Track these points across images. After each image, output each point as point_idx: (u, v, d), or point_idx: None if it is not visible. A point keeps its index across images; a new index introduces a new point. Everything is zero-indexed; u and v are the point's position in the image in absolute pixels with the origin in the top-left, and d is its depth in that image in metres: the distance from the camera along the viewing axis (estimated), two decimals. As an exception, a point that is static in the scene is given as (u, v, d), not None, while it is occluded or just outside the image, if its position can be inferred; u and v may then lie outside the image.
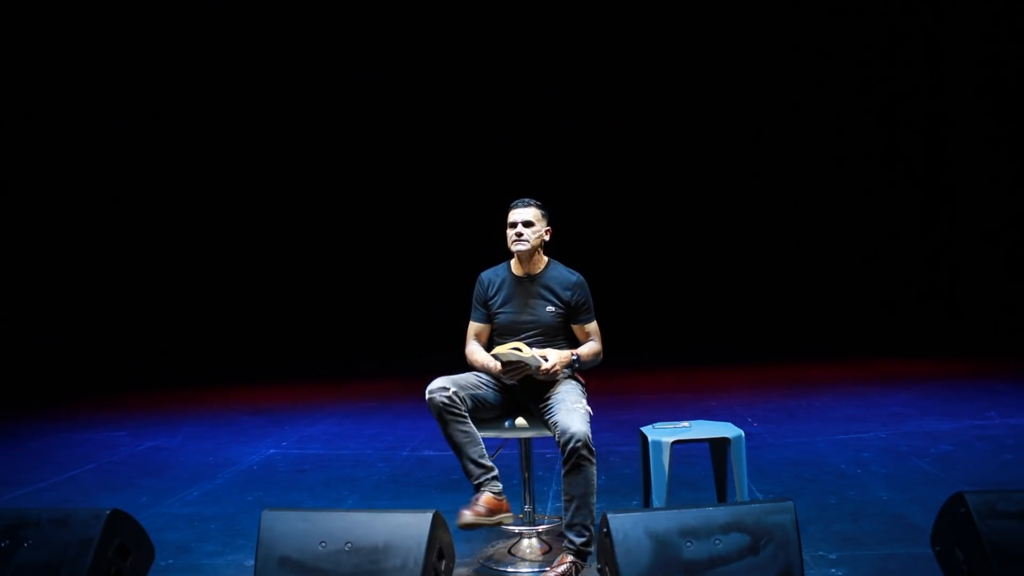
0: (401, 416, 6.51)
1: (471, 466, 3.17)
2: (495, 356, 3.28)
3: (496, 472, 3.20)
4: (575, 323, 3.47)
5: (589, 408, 3.23)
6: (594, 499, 3.11)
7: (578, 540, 3.09)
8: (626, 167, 11.07)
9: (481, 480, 3.16)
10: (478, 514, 3.08)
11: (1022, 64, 9.76)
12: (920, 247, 10.71)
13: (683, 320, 10.75)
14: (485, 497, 3.13)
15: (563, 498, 3.12)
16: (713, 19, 10.63)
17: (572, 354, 3.37)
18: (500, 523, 3.16)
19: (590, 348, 3.44)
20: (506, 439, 3.41)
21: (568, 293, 3.43)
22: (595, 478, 3.11)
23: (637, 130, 10.97)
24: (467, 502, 3.13)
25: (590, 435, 3.08)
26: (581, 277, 3.49)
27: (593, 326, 3.48)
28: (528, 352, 3.26)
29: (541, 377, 3.27)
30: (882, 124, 10.74)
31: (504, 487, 3.18)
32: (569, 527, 3.10)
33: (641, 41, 10.77)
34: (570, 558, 3.09)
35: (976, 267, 10.24)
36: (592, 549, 3.10)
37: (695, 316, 10.80)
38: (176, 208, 11.09)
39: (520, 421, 3.34)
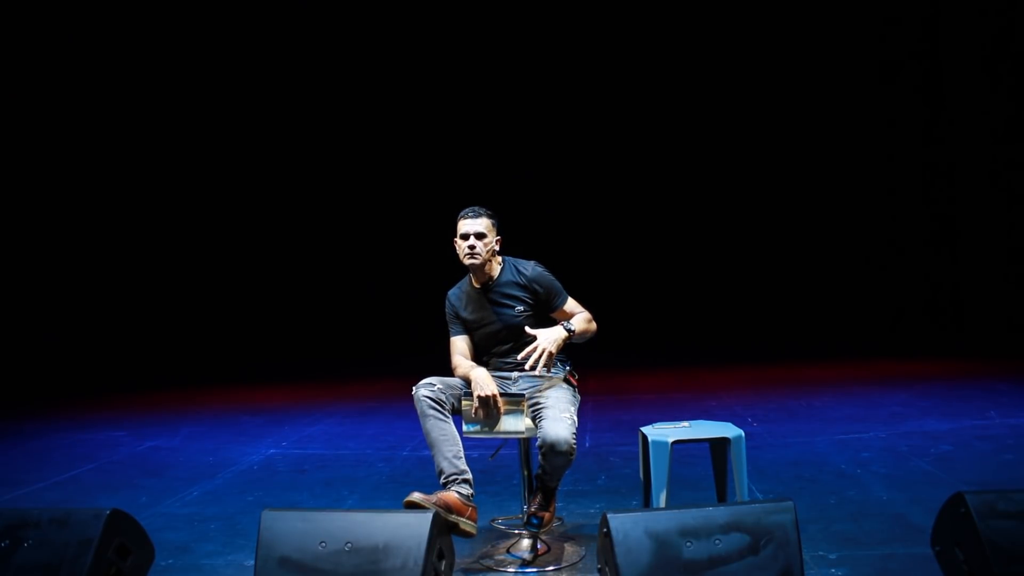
0: (401, 416, 6.47)
1: (443, 463, 3.12)
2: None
3: (469, 476, 3.14)
4: (553, 311, 3.37)
5: (576, 418, 3.19)
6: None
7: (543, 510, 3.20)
8: (626, 166, 11.07)
9: (449, 479, 3.10)
10: (427, 499, 2.95)
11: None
12: (920, 247, 10.71)
13: (683, 320, 10.75)
14: (446, 493, 3.04)
15: (536, 484, 3.19)
16: (710, 9, 10.63)
17: (564, 327, 3.21)
18: (456, 526, 3.00)
19: (580, 317, 3.31)
20: (505, 439, 3.39)
21: (532, 287, 3.34)
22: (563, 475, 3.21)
23: (638, 128, 10.97)
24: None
25: (574, 444, 3.07)
26: (535, 266, 3.40)
27: (571, 303, 3.38)
28: (501, 406, 3.16)
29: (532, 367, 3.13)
30: (883, 123, 10.73)
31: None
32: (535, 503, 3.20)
33: (641, 37, 10.78)
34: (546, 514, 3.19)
35: (976, 267, 10.24)
36: (551, 509, 3.23)
37: (695, 316, 10.80)
38: (177, 208, 11.11)
39: (512, 423, 3.30)
